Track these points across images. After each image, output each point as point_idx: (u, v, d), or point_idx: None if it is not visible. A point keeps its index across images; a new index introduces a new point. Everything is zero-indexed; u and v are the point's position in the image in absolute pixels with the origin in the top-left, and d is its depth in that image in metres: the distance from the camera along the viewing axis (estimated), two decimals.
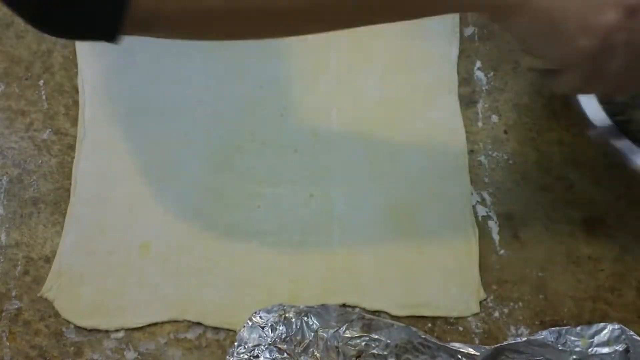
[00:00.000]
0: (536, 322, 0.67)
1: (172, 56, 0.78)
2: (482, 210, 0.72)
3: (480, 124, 0.76)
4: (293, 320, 0.64)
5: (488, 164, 0.74)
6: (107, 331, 0.67)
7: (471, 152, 0.75)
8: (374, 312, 0.67)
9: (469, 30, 0.80)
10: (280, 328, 0.64)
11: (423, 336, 0.64)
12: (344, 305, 0.68)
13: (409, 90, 0.77)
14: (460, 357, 0.63)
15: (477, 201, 0.73)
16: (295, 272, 0.69)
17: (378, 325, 0.64)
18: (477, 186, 0.73)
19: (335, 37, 0.75)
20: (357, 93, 0.77)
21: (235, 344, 0.64)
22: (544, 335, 0.63)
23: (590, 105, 0.64)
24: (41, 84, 0.79)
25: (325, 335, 0.64)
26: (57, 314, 0.68)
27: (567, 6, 0.51)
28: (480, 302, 0.68)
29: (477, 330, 0.67)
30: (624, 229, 0.71)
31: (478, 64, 0.79)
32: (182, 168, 0.73)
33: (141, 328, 0.67)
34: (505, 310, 0.68)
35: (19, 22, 0.75)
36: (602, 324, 0.64)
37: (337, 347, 0.63)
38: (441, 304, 0.68)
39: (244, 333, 0.63)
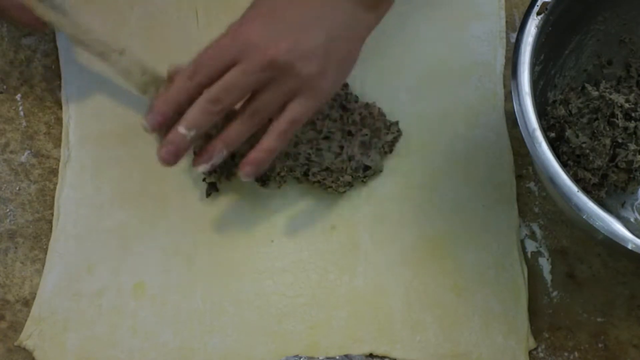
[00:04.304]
0: None
1: (173, 60, 0.71)
2: (531, 246, 0.70)
3: None
4: None
5: (539, 192, 0.72)
6: None
7: (519, 177, 0.72)
8: None
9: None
10: None
11: None
12: (371, 355, 0.66)
13: (447, 106, 0.74)
14: None
15: (526, 235, 0.71)
16: (315, 316, 0.68)
17: None
18: (526, 217, 0.71)
19: None
20: (386, 110, 0.73)
21: None
22: None
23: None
24: (18, 98, 0.77)
25: None
26: None
27: None
28: (530, 353, 0.66)
29: None
30: None
31: None
32: (182, 195, 0.71)
33: None
34: None
35: None
36: None
37: None
38: (484, 354, 0.66)
39: None
